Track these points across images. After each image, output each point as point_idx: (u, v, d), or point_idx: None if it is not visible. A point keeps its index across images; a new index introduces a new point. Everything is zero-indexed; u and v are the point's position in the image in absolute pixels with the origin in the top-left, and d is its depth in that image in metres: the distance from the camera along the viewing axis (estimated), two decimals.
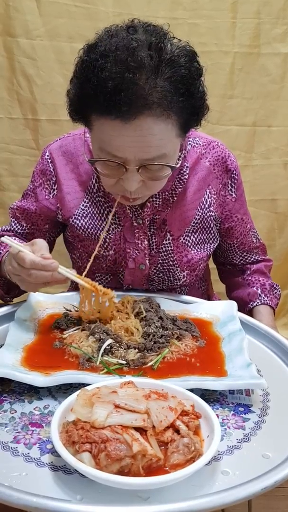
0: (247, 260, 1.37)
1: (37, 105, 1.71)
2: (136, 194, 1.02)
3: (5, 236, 1.00)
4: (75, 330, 1.00)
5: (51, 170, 1.20)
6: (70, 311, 1.09)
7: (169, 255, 1.21)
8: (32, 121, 1.73)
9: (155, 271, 1.22)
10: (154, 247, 1.20)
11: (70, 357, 0.92)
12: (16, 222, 1.27)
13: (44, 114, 1.72)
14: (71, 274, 0.99)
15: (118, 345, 0.94)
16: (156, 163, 0.95)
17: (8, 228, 1.28)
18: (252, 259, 1.37)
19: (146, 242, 1.19)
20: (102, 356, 0.90)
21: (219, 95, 1.76)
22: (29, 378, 0.83)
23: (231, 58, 1.73)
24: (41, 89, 1.70)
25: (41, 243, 0.96)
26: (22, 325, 1.00)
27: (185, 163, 1.17)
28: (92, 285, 1.03)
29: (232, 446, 0.74)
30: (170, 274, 1.23)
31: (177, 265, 1.22)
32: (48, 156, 1.21)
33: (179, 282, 1.25)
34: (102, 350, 0.91)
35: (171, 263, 1.21)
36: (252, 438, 0.76)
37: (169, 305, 1.13)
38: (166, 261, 1.21)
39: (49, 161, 1.20)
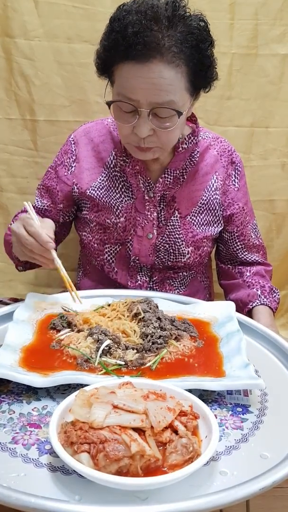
0: (247, 259, 1.39)
1: (35, 105, 1.71)
2: (148, 143, 1.13)
3: (28, 202, 1.14)
4: (69, 331, 1.00)
5: (73, 150, 1.33)
6: (68, 311, 1.09)
7: (176, 229, 1.30)
8: (30, 121, 1.73)
9: (161, 241, 1.30)
10: (162, 219, 1.30)
11: (68, 358, 0.92)
12: (39, 200, 1.37)
13: (42, 115, 1.72)
14: (58, 262, 1.08)
15: (116, 345, 0.94)
16: (165, 106, 1.06)
17: (33, 205, 1.36)
18: (252, 258, 1.39)
19: (155, 214, 1.29)
20: (100, 357, 0.90)
21: (217, 96, 1.75)
22: (27, 378, 0.83)
23: (229, 59, 1.73)
24: (39, 90, 1.69)
25: (50, 223, 1.13)
26: (20, 326, 1.00)
27: (196, 148, 1.30)
28: (68, 283, 1.09)
29: (230, 446, 0.74)
30: (176, 247, 1.31)
31: (182, 239, 1.30)
32: (72, 138, 1.34)
33: (184, 258, 1.32)
34: (100, 351, 0.91)
35: (177, 236, 1.30)
36: (250, 438, 0.76)
37: (168, 306, 1.13)
38: (173, 233, 1.30)
39: (73, 142, 1.34)
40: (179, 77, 1.07)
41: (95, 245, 1.34)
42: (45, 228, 1.08)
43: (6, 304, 1.15)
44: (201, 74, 1.11)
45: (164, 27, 1.03)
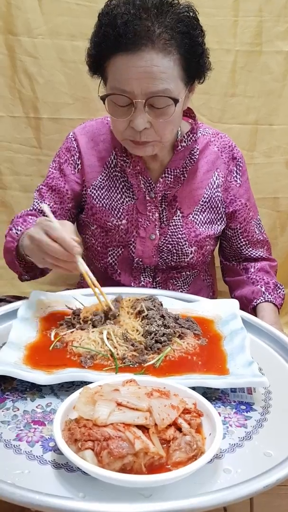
0: (252, 255, 1.38)
1: (38, 103, 1.71)
2: (145, 137, 1.11)
3: (45, 204, 1.03)
4: (72, 331, 1.00)
5: (75, 146, 1.30)
6: (73, 309, 1.09)
7: (178, 229, 1.29)
8: (33, 119, 1.73)
9: (164, 242, 1.29)
10: (164, 220, 1.29)
11: (72, 355, 0.92)
12: (39, 201, 1.31)
13: (46, 113, 1.72)
14: (85, 267, 0.99)
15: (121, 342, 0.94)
16: (160, 94, 1.05)
17: (32, 208, 1.32)
18: (256, 254, 1.38)
19: (157, 215, 1.28)
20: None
21: (221, 93, 1.75)
22: (31, 376, 0.83)
23: (233, 56, 1.72)
24: (42, 88, 1.69)
25: (70, 226, 1.01)
26: (24, 323, 1.01)
27: (196, 146, 1.27)
28: (99, 289, 1.02)
29: (234, 444, 0.74)
30: (179, 247, 1.30)
31: (185, 239, 1.29)
32: (72, 135, 1.32)
33: (187, 258, 1.31)
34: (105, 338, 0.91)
35: (179, 236, 1.29)
36: (254, 436, 0.76)
37: (171, 304, 1.13)
38: (175, 233, 1.29)
39: (73, 139, 1.31)
40: (171, 65, 1.06)
41: (99, 248, 1.33)
42: (67, 232, 0.96)
43: (10, 302, 1.15)
44: (193, 62, 1.10)
45: (154, 15, 1.03)
